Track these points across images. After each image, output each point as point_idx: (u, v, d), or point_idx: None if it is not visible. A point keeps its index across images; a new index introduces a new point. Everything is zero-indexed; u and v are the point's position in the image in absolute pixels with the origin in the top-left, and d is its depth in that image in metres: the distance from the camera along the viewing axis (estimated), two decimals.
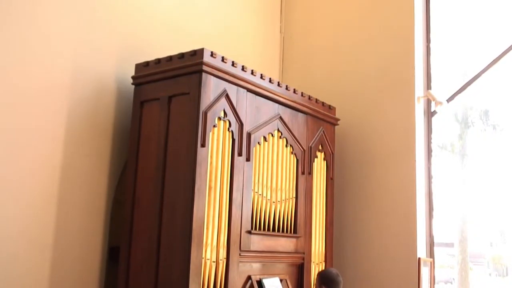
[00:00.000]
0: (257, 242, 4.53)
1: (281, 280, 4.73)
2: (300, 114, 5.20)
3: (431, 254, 5.84)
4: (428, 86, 6.10)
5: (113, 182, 4.67)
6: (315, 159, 5.35)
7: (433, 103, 5.97)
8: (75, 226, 4.33)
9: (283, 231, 4.82)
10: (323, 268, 5.20)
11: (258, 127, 4.66)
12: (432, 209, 5.94)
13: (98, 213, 4.53)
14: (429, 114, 6.09)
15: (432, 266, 5.77)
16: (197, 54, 4.19)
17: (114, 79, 4.73)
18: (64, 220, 4.24)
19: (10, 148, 3.94)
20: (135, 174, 4.39)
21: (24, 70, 4.07)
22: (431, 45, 6.22)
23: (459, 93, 6.13)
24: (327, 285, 4.17)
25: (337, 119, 5.74)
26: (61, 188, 4.24)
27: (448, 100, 6.01)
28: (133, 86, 4.59)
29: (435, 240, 5.94)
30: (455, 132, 17.18)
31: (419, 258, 5.54)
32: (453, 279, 18.07)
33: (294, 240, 4.93)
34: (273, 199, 4.75)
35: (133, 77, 4.58)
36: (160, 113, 4.32)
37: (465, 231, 16.47)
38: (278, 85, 4.93)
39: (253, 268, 4.56)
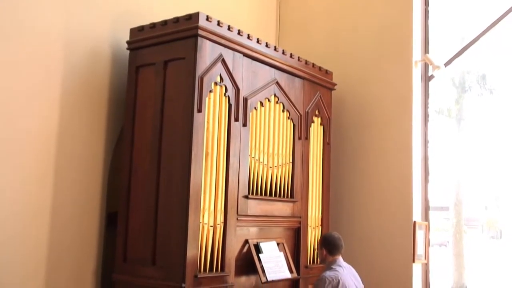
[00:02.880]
0: (254, 206, 4.56)
1: (278, 244, 4.79)
2: (296, 79, 5.17)
3: (426, 217, 5.90)
4: (426, 50, 6.06)
5: (109, 148, 4.67)
6: (312, 124, 5.35)
7: (430, 67, 5.94)
8: (73, 193, 4.35)
9: (280, 195, 4.86)
10: (321, 232, 5.28)
11: (255, 92, 4.63)
12: (428, 174, 5.99)
13: (96, 179, 4.55)
14: (426, 78, 6.07)
15: (427, 229, 5.85)
16: (193, 18, 4.13)
17: (108, 44, 4.67)
18: (61, 186, 4.26)
19: (4, 116, 3.91)
20: (131, 140, 4.39)
21: (17, 35, 4.01)
22: (429, 8, 6.14)
23: (457, 57, 6.09)
24: (327, 247, 4.24)
25: (334, 84, 5.72)
26: (57, 155, 4.24)
27: (446, 64, 5.97)
28: (128, 51, 4.54)
29: (431, 204, 6.00)
30: (452, 97, 17.19)
31: (414, 222, 5.61)
32: (448, 241, 18.37)
33: (290, 204, 4.97)
34: (270, 164, 4.77)
35: (128, 42, 4.53)
36: (156, 78, 4.29)
37: (460, 195, 16.67)
38: (275, 49, 4.88)
39: (250, 232, 4.61)
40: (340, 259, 4.22)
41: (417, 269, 5.64)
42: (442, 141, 17.86)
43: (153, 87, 4.31)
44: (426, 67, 6.05)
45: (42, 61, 4.18)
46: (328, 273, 4.06)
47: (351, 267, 4.28)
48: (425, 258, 5.78)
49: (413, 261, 5.53)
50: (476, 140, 19.62)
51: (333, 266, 4.14)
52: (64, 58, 4.33)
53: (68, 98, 4.35)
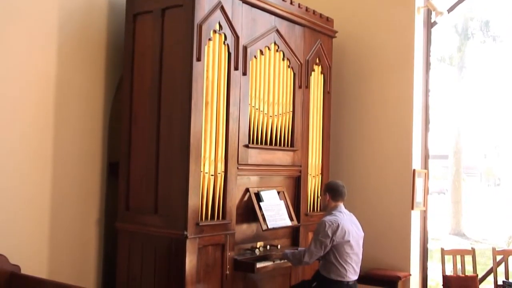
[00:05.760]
0: (255, 155, 4.58)
1: (278, 192, 4.84)
2: (297, 27, 5.08)
3: (425, 165, 5.94)
4: None
5: (109, 97, 4.65)
6: (312, 73, 5.30)
7: (433, 14, 5.83)
8: (74, 144, 4.37)
9: (280, 144, 4.87)
10: (322, 180, 5.35)
11: (254, 40, 4.56)
12: (428, 122, 5.98)
13: (96, 130, 4.55)
14: (429, 25, 5.97)
15: (426, 177, 5.90)
16: None
17: None
18: (62, 138, 4.26)
19: (1, 68, 3.87)
20: (130, 89, 4.36)
21: None
22: None
23: (460, 2, 5.97)
24: (331, 192, 4.29)
25: (335, 31, 5.62)
26: (56, 105, 4.22)
27: (449, 10, 5.86)
28: None
29: (430, 152, 6.03)
30: (454, 44, 16.95)
31: (413, 170, 5.65)
32: (446, 189, 18.57)
33: (291, 153, 4.99)
34: (270, 113, 4.75)
35: None
36: (154, 27, 4.22)
37: (460, 143, 16.72)
38: None
39: (251, 180, 4.65)
40: (341, 205, 4.27)
41: (415, 216, 5.73)
42: (443, 90, 17.77)
43: (151, 36, 4.24)
44: (428, 13, 5.94)
45: (37, 9, 4.09)
46: (328, 218, 4.14)
47: (352, 214, 4.34)
48: (424, 205, 5.86)
49: (412, 208, 5.61)
50: (477, 89, 19.51)
51: (334, 212, 4.20)
52: (59, 6, 4.24)
53: (65, 48, 4.29)
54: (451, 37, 16.80)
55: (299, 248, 4.61)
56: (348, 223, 4.15)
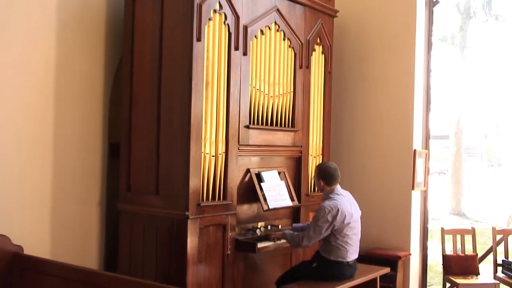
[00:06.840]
0: (255, 136, 4.58)
1: (279, 173, 4.84)
2: (297, 6, 5.04)
3: (426, 146, 5.94)
4: None
5: (109, 79, 4.63)
6: (313, 53, 5.27)
7: None
8: (74, 124, 4.36)
9: (281, 125, 4.86)
10: (321, 162, 5.30)
11: (255, 20, 4.52)
12: (429, 102, 5.96)
13: (96, 111, 4.54)
14: (431, 4, 5.92)
15: (427, 158, 5.90)
16: None
17: None
18: (62, 118, 4.26)
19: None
20: (130, 71, 4.34)
21: None
22: None
23: None
24: (324, 178, 4.27)
25: (336, 11, 5.57)
26: (57, 88, 4.21)
27: None
28: None
29: (431, 133, 6.03)
30: (456, 24, 16.82)
31: (414, 150, 5.65)
32: (447, 170, 18.60)
33: (292, 134, 4.98)
34: (271, 94, 4.73)
35: None
36: (153, 7, 4.18)
37: (461, 123, 16.70)
38: None
39: (252, 161, 4.65)
40: (338, 187, 4.27)
41: (416, 196, 5.74)
42: (444, 69, 17.70)
43: (150, 16, 4.21)
44: None
45: None
46: (327, 203, 4.12)
47: (348, 193, 4.34)
48: (424, 186, 5.87)
49: (413, 188, 5.62)
50: (479, 69, 19.44)
51: (331, 196, 4.20)
52: None
53: (65, 30, 4.25)
54: (453, 16, 16.67)
55: (296, 224, 4.65)
56: (347, 205, 4.15)
